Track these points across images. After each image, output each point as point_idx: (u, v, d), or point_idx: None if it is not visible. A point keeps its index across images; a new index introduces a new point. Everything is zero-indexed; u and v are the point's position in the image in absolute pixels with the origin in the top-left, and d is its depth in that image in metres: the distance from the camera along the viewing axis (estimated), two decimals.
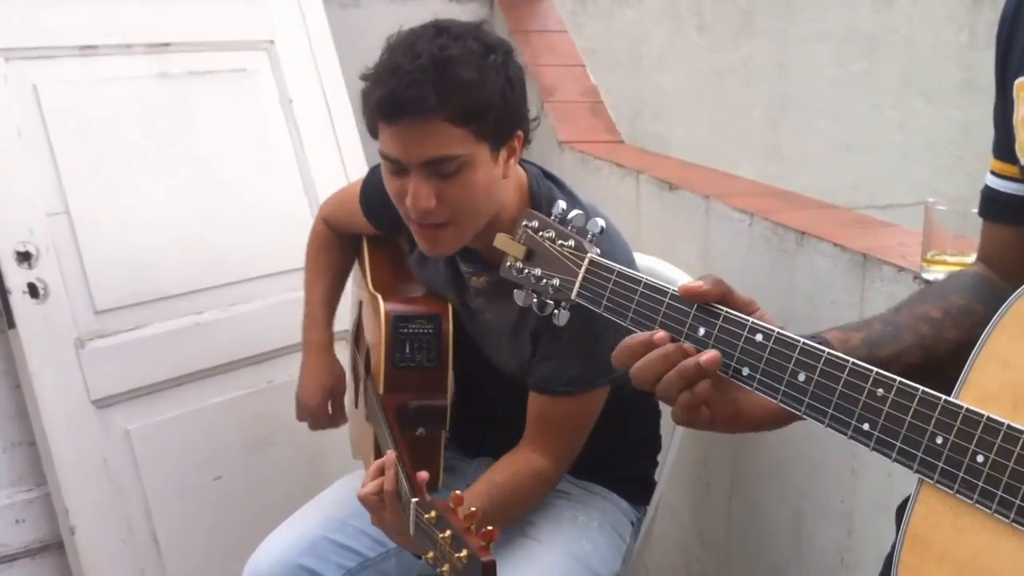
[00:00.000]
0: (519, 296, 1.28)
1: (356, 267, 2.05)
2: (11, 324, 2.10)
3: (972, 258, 1.43)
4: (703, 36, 3.74)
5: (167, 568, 2.28)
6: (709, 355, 1.02)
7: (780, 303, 1.82)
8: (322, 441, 2.47)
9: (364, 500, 1.52)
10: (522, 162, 1.68)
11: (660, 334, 1.06)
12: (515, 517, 1.67)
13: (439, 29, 1.53)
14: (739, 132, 3.78)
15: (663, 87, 3.67)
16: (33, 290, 2.11)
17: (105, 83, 2.30)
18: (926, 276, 1.52)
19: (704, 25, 3.73)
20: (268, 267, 2.45)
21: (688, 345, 1.05)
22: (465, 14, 3.18)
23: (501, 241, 1.30)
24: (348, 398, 2.11)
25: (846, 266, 1.70)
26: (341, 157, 2.64)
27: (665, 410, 1.85)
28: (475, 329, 1.77)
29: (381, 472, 1.50)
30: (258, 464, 2.43)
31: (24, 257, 2.10)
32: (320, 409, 2.02)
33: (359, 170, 2.63)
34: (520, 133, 1.58)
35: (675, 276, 1.94)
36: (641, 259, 1.75)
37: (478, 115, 1.49)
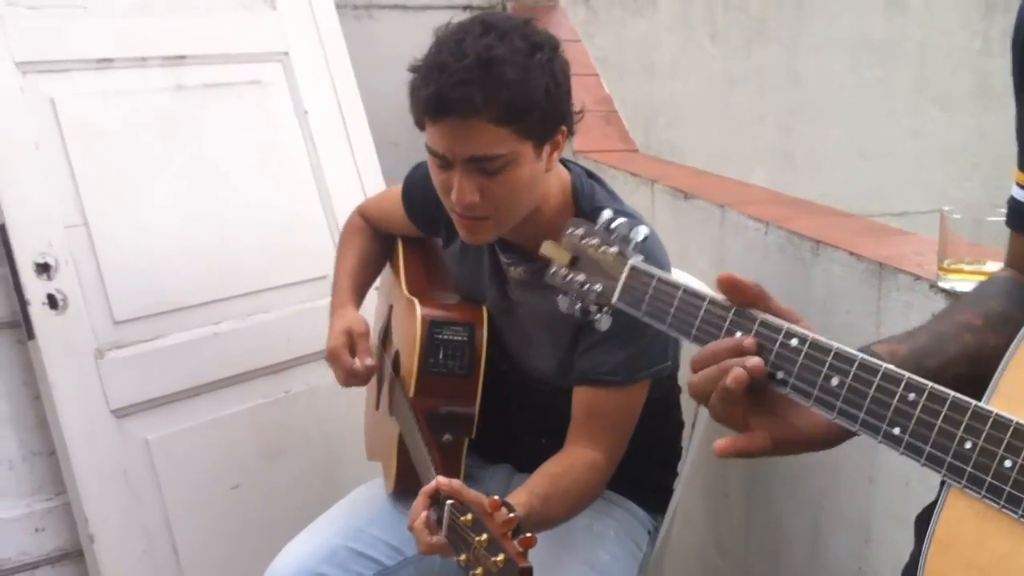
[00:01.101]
0: (563, 303, 1.29)
1: (387, 275, 2.06)
2: (31, 335, 2.12)
3: (988, 267, 1.43)
4: (715, 44, 3.73)
5: None
6: (753, 361, 1.01)
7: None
8: (339, 450, 2.48)
9: (415, 530, 1.45)
10: (566, 162, 1.70)
11: (749, 340, 1.03)
12: (573, 508, 1.62)
13: (487, 26, 1.53)
14: (752, 140, 3.77)
15: (676, 95, 3.66)
16: (52, 301, 2.12)
17: (122, 96, 2.32)
18: (942, 285, 1.52)
19: (716, 33, 3.72)
20: (285, 277, 2.46)
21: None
22: None
23: (548, 248, 1.32)
24: (368, 398, 2.11)
25: (862, 275, 1.70)
26: (357, 167, 2.65)
27: (686, 419, 1.85)
28: (511, 327, 1.77)
29: (431, 501, 1.44)
30: (276, 473, 2.44)
31: (43, 269, 2.12)
32: (340, 350, 1.87)
33: (375, 180, 2.64)
34: (564, 128, 1.60)
35: (692, 285, 1.93)
36: None
37: (521, 115, 1.51)
